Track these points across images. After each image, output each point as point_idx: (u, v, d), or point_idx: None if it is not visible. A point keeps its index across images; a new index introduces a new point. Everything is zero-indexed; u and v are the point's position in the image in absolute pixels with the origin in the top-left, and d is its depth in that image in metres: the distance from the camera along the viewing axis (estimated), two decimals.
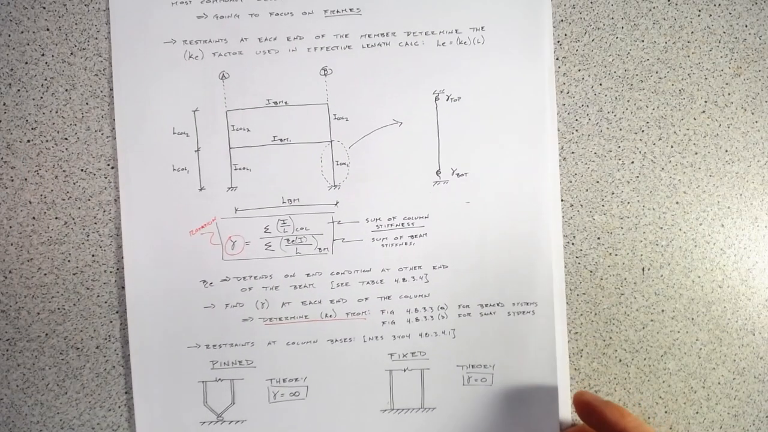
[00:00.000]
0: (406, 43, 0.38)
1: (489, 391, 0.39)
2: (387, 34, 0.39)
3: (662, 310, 0.40)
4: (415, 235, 0.39)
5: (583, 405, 0.36)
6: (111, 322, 0.39)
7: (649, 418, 0.41)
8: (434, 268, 0.39)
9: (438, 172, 0.39)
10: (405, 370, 0.39)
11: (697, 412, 0.41)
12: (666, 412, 0.41)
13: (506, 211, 0.39)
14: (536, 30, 0.39)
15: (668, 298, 0.40)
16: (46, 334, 0.39)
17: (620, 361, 0.40)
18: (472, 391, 0.39)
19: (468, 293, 0.39)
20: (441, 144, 0.39)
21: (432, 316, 0.39)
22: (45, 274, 0.39)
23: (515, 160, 0.39)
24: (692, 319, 0.40)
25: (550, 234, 0.39)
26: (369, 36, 0.38)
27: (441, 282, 0.39)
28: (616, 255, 0.40)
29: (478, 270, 0.39)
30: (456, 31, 0.39)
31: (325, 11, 0.38)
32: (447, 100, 0.39)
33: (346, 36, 0.38)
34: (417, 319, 0.39)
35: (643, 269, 0.40)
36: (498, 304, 0.39)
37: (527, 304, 0.39)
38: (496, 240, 0.39)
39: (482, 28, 0.39)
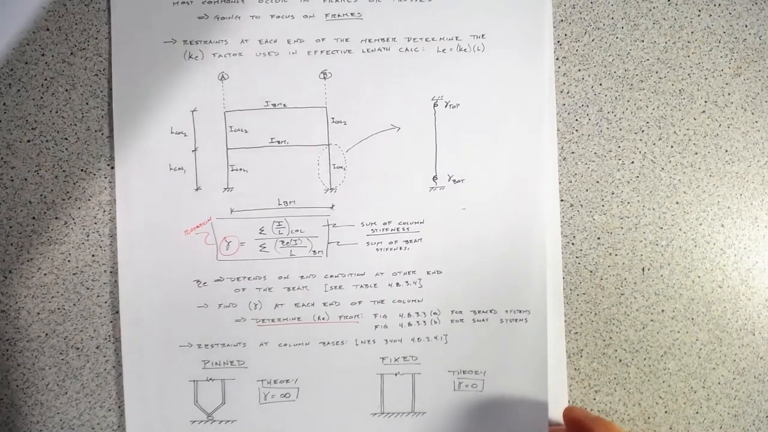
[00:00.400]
0: (407, 49, 0.38)
1: (479, 397, 0.39)
2: (387, 39, 0.38)
3: (662, 310, 0.40)
4: (410, 240, 0.39)
5: (573, 422, 0.36)
6: (111, 322, 0.39)
7: (649, 418, 0.41)
8: (428, 273, 0.39)
9: (434, 178, 0.39)
10: (396, 374, 0.39)
11: (697, 412, 0.41)
12: (666, 412, 0.41)
13: (502, 219, 0.39)
14: (536, 38, 0.39)
15: (668, 298, 0.40)
16: (46, 334, 0.39)
17: (620, 361, 0.40)
18: (463, 397, 0.39)
19: (461, 299, 0.39)
20: (438, 150, 0.39)
21: (425, 321, 0.39)
22: (45, 274, 0.39)
23: (512, 168, 0.39)
24: (692, 319, 0.40)
25: (545, 241, 0.39)
26: (369, 41, 0.38)
27: (434, 287, 0.39)
28: (616, 255, 0.40)
29: (472, 276, 0.39)
30: (456, 38, 0.39)
31: (326, 15, 0.38)
32: (446, 106, 0.39)
33: (346, 40, 0.38)
34: (410, 324, 0.39)
35: (643, 269, 0.40)
36: (491, 311, 0.39)
37: (520, 311, 0.39)
38: (490, 247, 0.39)
39: (482, 35, 0.39)
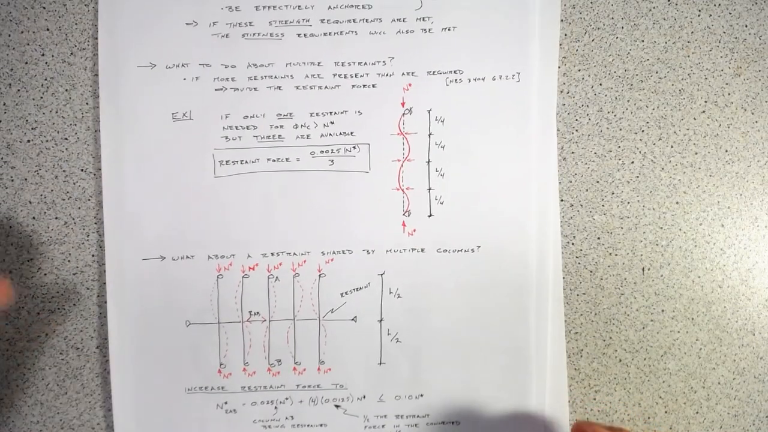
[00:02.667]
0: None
1: None
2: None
3: (662, 310, 0.40)
4: None
5: None
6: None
7: (649, 418, 0.41)
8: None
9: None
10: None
11: (697, 412, 0.41)
12: (666, 412, 0.41)
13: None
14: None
15: (668, 298, 0.40)
16: (46, 334, 0.39)
17: (620, 361, 0.40)
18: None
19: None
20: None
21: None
22: (45, 274, 0.39)
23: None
24: (692, 319, 0.40)
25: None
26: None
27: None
28: (616, 255, 0.40)
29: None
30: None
31: None
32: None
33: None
34: None
35: (643, 269, 0.40)
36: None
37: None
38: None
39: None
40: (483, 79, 0.38)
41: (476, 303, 0.39)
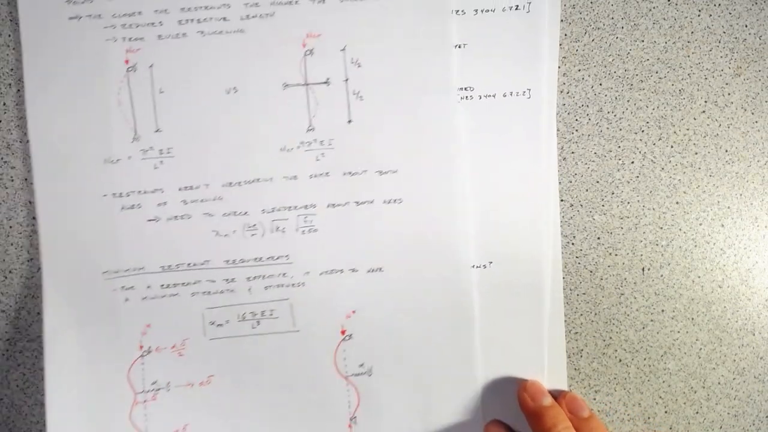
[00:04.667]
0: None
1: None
2: None
3: (662, 310, 0.40)
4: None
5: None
6: None
7: (649, 418, 0.41)
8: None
9: None
10: None
11: (697, 412, 0.41)
12: (666, 412, 0.41)
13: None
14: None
15: (668, 298, 0.40)
16: None
17: (620, 361, 0.41)
18: None
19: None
20: None
21: None
22: None
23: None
24: (692, 319, 0.40)
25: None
26: None
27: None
28: (616, 255, 0.40)
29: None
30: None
31: None
32: None
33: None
34: None
35: (643, 269, 0.40)
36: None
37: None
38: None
39: None
40: (494, 96, 0.38)
41: (479, 304, 0.39)
